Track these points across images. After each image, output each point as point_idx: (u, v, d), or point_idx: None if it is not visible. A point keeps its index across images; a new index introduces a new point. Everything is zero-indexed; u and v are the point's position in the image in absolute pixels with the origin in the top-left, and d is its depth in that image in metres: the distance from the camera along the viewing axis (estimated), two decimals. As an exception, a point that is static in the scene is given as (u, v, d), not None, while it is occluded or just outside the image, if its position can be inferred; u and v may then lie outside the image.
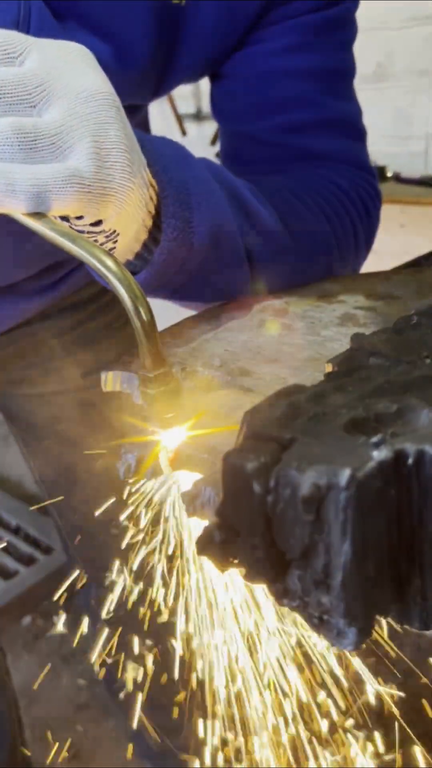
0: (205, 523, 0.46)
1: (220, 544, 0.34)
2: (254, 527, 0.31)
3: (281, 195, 0.77)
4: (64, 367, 1.12)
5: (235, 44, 0.82)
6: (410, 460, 0.29)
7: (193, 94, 2.24)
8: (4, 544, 2.18)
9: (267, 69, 0.82)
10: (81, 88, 0.51)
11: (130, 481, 0.53)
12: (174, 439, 0.50)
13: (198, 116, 2.25)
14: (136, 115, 0.90)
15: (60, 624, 1.99)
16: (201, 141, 2.28)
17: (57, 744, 1.71)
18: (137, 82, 0.79)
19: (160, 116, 2.27)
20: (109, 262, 0.47)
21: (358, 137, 0.88)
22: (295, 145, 0.84)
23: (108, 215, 0.54)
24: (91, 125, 0.50)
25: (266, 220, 0.71)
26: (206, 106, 2.27)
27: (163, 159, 0.62)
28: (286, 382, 0.59)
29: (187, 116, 2.34)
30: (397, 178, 1.63)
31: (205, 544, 0.34)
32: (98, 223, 0.54)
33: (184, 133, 2.31)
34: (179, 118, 2.30)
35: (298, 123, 0.83)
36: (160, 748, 1.58)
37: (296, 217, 0.76)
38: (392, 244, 1.49)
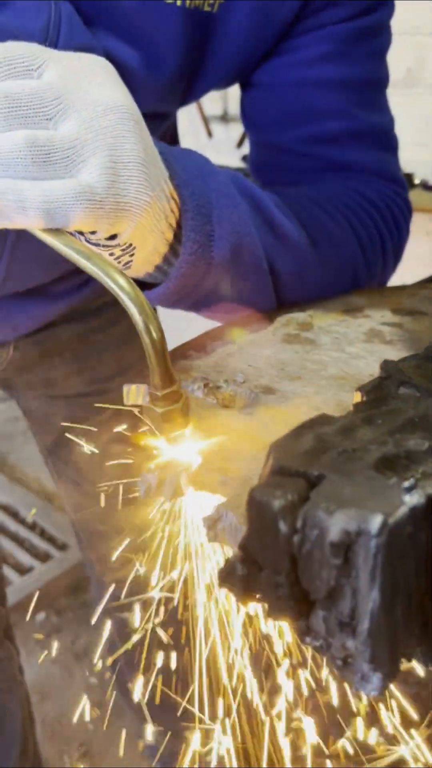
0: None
1: (242, 577, 0.33)
2: (279, 565, 0.31)
3: (307, 207, 0.76)
4: (87, 369, 1.12)
5: (265, 53, 0.81)
6: (443, 506, 0.29)
7: (220, 96, 2.23)
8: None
9: (297, 79, 0.81)
10: (98, 101, 0.51)
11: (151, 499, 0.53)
12: (194, 459, 0.50)
13: (225, 118, 2.24)
14: (165, 121, 0.89)
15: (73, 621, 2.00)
16: (227, 143, 2.27)
17: (67, 742, 1.72)
18: (166, 88, 0.78)
19: (186, 118, 2.26)
20: (122, 281, 0.47)
21: (390, 149, 0.86)
22: (325, 156, 0.83)
23: (123, 229, 0.53)
24: (107, 139, 0.50)
25: (291, 233, 0.71)
26: (233, 108, 2.26)
27: (186, 173, 0.61)
28: (310, 401, 0.58)
29: (214, 118, 2.32)
30: (425, 186, 1.61)
31: (226, 577, 0.34)
32: (114, 236, 0.54)
33: (210, 134, 2.29)
34: (206, 120, 2.28)
35: (328, 134, 0.82)
36: (167, 749, 1.59)
37: (322, 229, 0.75)
38: (419, 251, 1.47)
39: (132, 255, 0.57)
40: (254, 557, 0.33)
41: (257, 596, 0.33)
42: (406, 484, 0.29)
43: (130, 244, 0.56)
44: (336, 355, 0.66)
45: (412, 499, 0.28)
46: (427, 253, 1.56)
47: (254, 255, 0.66)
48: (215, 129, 2.31)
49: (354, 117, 0.82)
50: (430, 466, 0.31)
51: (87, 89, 0.51)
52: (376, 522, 0.27)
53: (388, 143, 0.87)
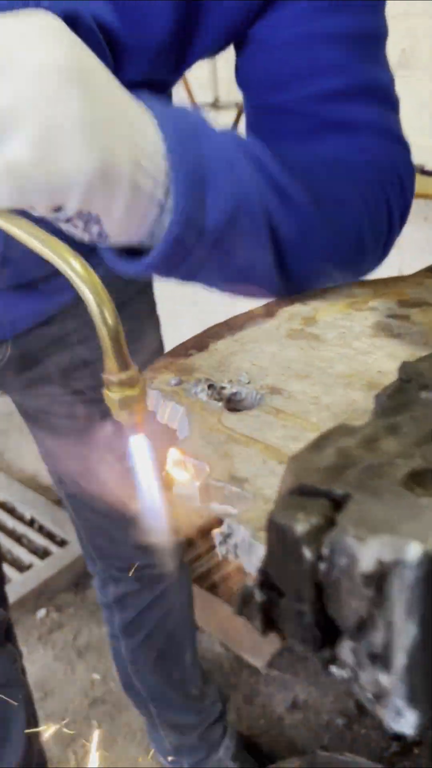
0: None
1: (261, 604, 0.31)
2: (302, 593, 0.28)
3: (309, 167, 0.71)
4: (84, 366, 1.10)
5: (259, 9, 0.76)
6: None
7: (211, 83, 2.18)
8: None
9: (293, 34, 0.76)
10: (31, 65, 0.46)
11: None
12: (200, 468, 0.47)
13: (216, 105, 2.19)
14: (161, 92, 0.85)
15: (74, 617, 1.98)
16: (218, 129, 2.23)
17: (72, 738, 1.71)
18: (155, 53, 0.74)
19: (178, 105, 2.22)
20: (75, 264, 0.46)
21: (392, 107, 0.81)
22: (325, 115, 0.77)
23: (66, 201, 0.49)
24: (40, 105, 0.46)
25: (296, 194, 0.66)
26: (224, 95, 2.21)
27: (177, 132, 0.56)
28: (319, 401, 0.56)
29: (205, 105, 2.28)
30: (422, 171, 1.57)
31: (244, 604, 0.31)
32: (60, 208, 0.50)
33: (201, 120, 2.25)
34: (197, 107, 2.24)
35: (327, 91, 0.77)
36: (174, 745, 1.58)
37: (326, 190, 0.71)
38: (417, 237, 1.45)
39: (99, 224, 0.53)
40: (274, 582, 0.30)
41: (278, 624, 0.31)
42: (444, 506, 0.26)
43: (90, 213, 0.52)
44: (343, 351, 0.63)
45: (452, 523, 0.26)
46: (425, 239, 1.54)
47: (254, 222, 0.62)
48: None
49: (353, 72, 0.77)
50: (463, 481, 0.29)
51: (20, 52, 0.46)
52: (414, 551, 0.24)
53: (390, 100, 0.81)
